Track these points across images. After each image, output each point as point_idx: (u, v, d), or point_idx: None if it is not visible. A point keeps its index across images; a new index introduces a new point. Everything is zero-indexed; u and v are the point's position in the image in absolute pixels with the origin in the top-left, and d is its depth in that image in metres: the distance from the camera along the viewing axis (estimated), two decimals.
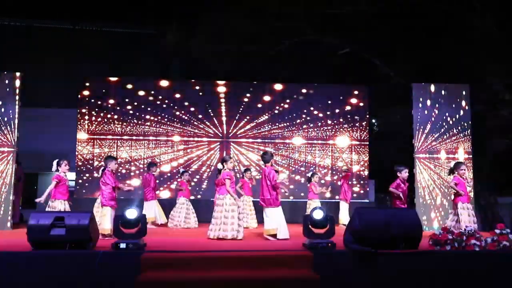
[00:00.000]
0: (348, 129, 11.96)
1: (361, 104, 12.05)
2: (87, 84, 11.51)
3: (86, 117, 11.38)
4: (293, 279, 4.77)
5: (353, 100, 12.04)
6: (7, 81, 8.73)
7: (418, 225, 5.48)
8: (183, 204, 9.42)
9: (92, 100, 11.45)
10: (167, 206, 10.96)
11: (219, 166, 7.21)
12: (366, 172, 11.94)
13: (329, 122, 11.96)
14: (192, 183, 11.28)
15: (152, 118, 11.55)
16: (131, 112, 11.52)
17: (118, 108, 11.49)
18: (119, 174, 11.07)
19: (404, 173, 7.59)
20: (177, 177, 10.79)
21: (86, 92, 11.46)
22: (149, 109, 11.57)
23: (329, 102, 12.00)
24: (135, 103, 11.55)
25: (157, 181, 11.33)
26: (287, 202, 10.92)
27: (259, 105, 11.85)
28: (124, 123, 11.47)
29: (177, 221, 9.26)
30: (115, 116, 11.46)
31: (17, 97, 8.71)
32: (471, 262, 5.26)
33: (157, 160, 11.42)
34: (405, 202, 7.53)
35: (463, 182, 7.30)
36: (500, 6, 10.04)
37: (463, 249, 5.41)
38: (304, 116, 11.93)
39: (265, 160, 7.13)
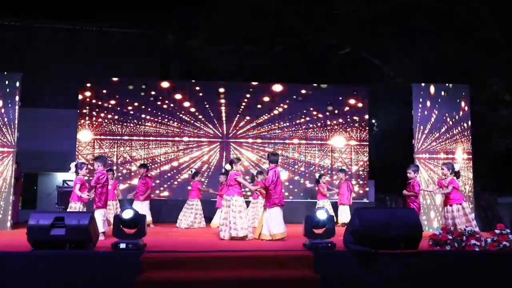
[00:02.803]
0: (348, 129, 11.95)
1: (361, 104, 12.04)
2: (87, 84, 11.49)
3: (86, 117, 11.36)
4: (293, 279, 4.77)
5: (353, 100, 12.02)
6: (7, 82, 8.72)
7: (418, 225, 5.48)
8: (197, 206, 9.46)
9: (92, 100, 11.43)
10: (167, 205, 11.02)
11: (227, 167, 7.18)
12: (366, 172, 11.93)
13: (329, 122, 11.96)
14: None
15: (152, 118, 11.54)
16: (131, 112, 11.50)
17: (118, 108, 11.47)
18: (119, 174, 11.08)
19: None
20: (193, 178, 10.37)
21: (86, 92, 11.44)
22: (149, 109, 11.55)
23: (329, 102, 11.98)
24: (135, 104, 11.54)
25: (158, 181, 11.40)
26: (287, 202, 10.91)
27: (259, 105, 11.84)
28: (124, 123, 11.47)
29: (192, 221, 9.33)
30: (115, 117, 11.44)
31: (17, 97, 8.70)
32: (471, 262, 5.26)
33: (157, 160, 11.43)
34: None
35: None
36: (500, 6, 10.05)
37: (463, 249, 5.41)
38: (304, 116, 11.91)
39: (275, 160, 7.01)
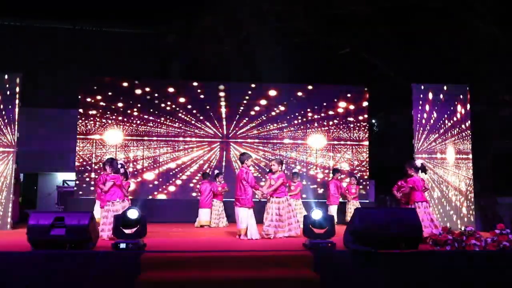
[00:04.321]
0: (348, 130, 11.95)
1: (361, 104, 12.04)
2: (87, 84, 11.50)
3: (86, 117, 11.36)
4: (293, 279, 4.77)
5: (353, 100, 12.03)
6: (7, 82, 8.72)
7: (418, 225, 5.47)
8: (215, 206, 9.66)
9: (92, 100, 11.44)
10: (167, 204, 11.03)
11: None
12: (366, 173, 11.94)
13: (329, 122, 11.96)
14: (194, 181, 11.37)
15: (152, 118, 11.55)
16: (130, 112, 11.51)
17: (117, 108, 11.47)
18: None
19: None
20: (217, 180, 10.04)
21: (86, 92, 11.44)
22: (149, 109, 11.56)
23: (329, 102, 11.99)
24: (135, 104, 11.54)
25: (160, 179, 11.41)
26: None
27: (259, 106, 11.85)
28: (125, 124, 11.47)
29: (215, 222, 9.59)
30: (115, 117, 11.45)
31: (17, 97, 8.70)
32: (471, 262, 5.26)
33: (158, 160, 11.44)
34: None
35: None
36: (500, 6, 10.04)
37: (463, 249, 5.41)
38: (303, 116, 11.93)
39: (241, 160, 7.21)
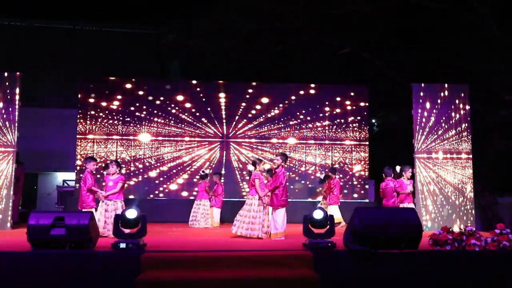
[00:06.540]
0: (348, 129, 11.96)
1: (361, 104, 12.05)
2: (87, 84, 11.50)
3: (86, 117, 11.36)
4: (293, 279, 4.77)
5: (353, 100, 12.03)
6: (7, 82, 8.72)
7: (418, 225, 5.47)
8: (205, 206, 9.60)
9: (92, 100, 11.43)
10: (167, 204, 11.00)
11: (250, 167, 7.62)
12: (366, 172, 11.94)
13: (329, 122, 11.96)
14: (193, 181, 11.39)
15: (152, 118, 11.55)
16: (131, 112, 11.51)
17: (118, 108, 11.47)
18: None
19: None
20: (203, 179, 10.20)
21: (86, 92, 11.44)
22: (149, 109, 11.56)
23: (329, 102, 11.99)
24: (135, 104, 11.54)
25: (161, 179, 11.40)
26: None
27: (259, 105, 11.85)
28: (125, 124, 11.46)
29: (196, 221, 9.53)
30: (115, 116, 11.45)
31: (17, 97, 8.70)
32: (471, 262, 5.26)
33: (158, 159, 11.44)
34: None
35: (405, 184, 8.11)
36: (499, 6, 10.05)
37: (463, 249, 5.41)
38: (303, 116, 11.93)
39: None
